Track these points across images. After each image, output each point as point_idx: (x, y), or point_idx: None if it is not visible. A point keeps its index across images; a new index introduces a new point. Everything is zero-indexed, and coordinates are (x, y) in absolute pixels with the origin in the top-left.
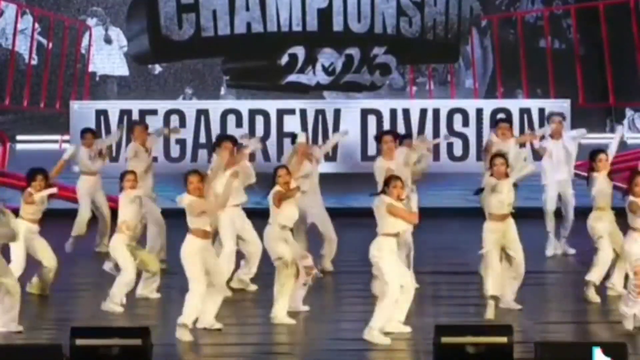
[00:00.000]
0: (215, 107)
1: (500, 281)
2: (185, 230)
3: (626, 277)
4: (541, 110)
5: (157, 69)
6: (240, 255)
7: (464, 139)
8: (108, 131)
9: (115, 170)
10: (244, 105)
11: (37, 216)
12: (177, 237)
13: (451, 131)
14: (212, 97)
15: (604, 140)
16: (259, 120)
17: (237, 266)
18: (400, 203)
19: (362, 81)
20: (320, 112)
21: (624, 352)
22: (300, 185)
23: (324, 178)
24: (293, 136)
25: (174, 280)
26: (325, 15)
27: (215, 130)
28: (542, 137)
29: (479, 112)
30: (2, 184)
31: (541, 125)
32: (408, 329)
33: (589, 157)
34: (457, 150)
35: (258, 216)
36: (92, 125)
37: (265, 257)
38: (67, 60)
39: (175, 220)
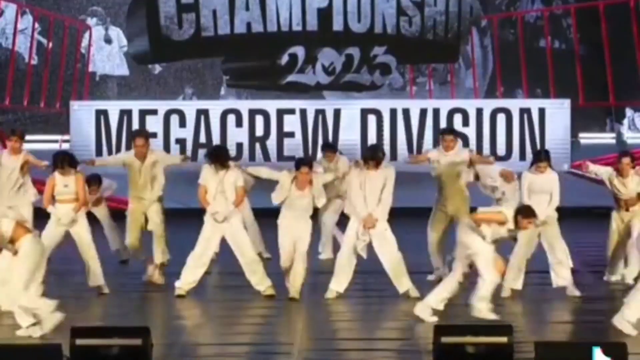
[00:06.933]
0: (215, 107)
1: None
2: (186, 230)
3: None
4: (541, 110)
5: (157, 68)
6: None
7: (464, 138)
8: (108, 131)
9: (117, 171)
10: (244, 105)
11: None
12: (177, 237)
13: None
14: (212, 96)
15: (603, 140)
16: (259, 119)
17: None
18: None
19: (362, 81)
20: (320, 112)
21: (624, 352)
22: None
23: None
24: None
25: (173, 280)
26: (325, 15)
27: (216, 130)
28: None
29: (479, 111)
30: None
31: (541, 125)
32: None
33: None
34: None
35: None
36: (92, 125)
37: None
38: (67, 60)
39: (176, 219)
